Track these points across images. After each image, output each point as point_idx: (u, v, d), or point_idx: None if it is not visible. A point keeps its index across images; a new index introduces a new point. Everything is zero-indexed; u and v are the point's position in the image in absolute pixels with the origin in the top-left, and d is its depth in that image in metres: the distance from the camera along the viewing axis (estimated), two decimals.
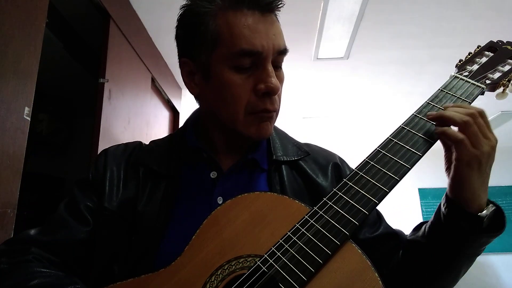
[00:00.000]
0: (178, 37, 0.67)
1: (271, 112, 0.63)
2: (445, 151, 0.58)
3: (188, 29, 0.64)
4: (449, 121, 0.55)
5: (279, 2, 0.62)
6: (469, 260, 0.58)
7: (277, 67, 0.63)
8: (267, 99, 0.61)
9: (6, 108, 1.05)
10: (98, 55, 1.78)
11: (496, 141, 0.55)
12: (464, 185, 0.53)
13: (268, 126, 0.64)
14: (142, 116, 2.20)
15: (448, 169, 0.57)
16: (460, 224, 0.54)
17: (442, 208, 0.57)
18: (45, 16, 1.27)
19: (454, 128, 0.55)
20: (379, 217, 0.70)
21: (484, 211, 0.54)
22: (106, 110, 1.69)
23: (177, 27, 0.67)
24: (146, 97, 2.29)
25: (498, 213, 0.55)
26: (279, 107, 0.65)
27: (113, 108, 1.77)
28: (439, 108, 0.59)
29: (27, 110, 1.13)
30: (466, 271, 0.60)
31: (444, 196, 0.58)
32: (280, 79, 0.64)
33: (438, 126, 0.56)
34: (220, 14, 0.60)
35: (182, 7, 0.65)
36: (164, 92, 2.66)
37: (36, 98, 1.17)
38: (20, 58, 1.12)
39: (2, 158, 1.02)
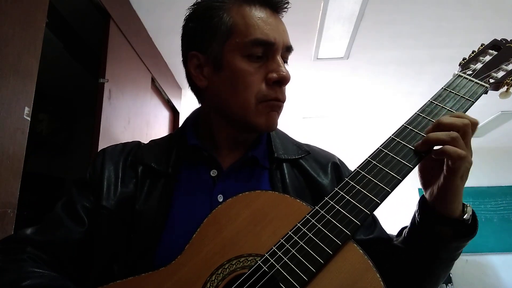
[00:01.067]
0: (187, 31, 0.69)
1: (281, 102, 0.65)
2: (428, 168, 0.57)
3: (201, 22, 0.66)
4: (435, 143, 0.53)
5: (286, 4, 0.66)
6: (448, 265, 0.59)
7: (284, 62, 0.66)
8: (277, 88, 0.64)
9: (6, 108, 1.05)
10: (98, 55, 1.78)
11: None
12: (455, 196, 0.54)
13: (276, 117, 0.66)
14: (142, 116, 2.20)
15: (429, 181, 0.57)
16: (442, 231, 0.55)
17: (417, 217, 0.58)
18: (45, 16, 1.27)
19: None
20: (374, 220, 0.71)
21: (466, 215, 0.55)
22: (106, 110, 1.69)
23: (187, 22, 0.69)
24: (146, 97, 2.29)
25: (473, 214, 0.57)
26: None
27: (113, 108, 1.77)
28: (442, 107, 0.59)
29: (27, 110, 1.13)
30: (444, 278, 0.61)
31: (419, 204, 0.58)
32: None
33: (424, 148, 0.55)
34: (234, 7, 0.64)
35: (193, 5, 0.68)
36: (164, 92, 2.66)
37: (36, 98, 1.17)
38: (20, 58, 1.12)
39: (2, 158, 1.02)
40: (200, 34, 0.66)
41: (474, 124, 0.54)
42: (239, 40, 0.62)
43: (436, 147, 0.54)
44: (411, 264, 0.60)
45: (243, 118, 0.64)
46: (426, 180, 0.58)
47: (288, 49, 0.66)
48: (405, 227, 0.63)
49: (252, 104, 0.63)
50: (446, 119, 0.54)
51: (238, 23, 0.63)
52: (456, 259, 0.59)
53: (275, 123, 0.66)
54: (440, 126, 0.54)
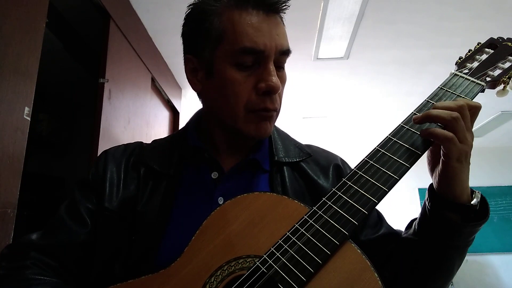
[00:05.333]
0: (183, 34, 0.68)
1: (271, 111, 0.63)
2: (432, 155, 0.58)
3: (194, 26, 0.65)
4: (437, 120, 0.54)
5: (284, 3, 0.62)
6: (462, 253, 0.58)
7: (280, 67, 0.64)
8: (267, 98, 0.61)
9: (6, 108, 1.05)
10: (98, 55, 1.78)
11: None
12: (455, 180, 0.54)
13: (267, 125, 0.64)
14: (142, 116, 2.20)
15: (434, 167, 0.58)
16: (451, 217, 0.54)
17: (428, 205, 0.57)
18: (45, 16, 1.27)
19: None
20: (380, 218, 0.70)
21: (474, 200, 0.55)
22: (106, 110, 1.69)
23: (183, 24, 0.68)
24: (146, 97, 2.29)
25: (482, 200, 0.56)
26: (280, 107, 0.66)
27: (113, 108, 1.77)
28: None
29: (27, 110, 1.13)
30: (459, 267, 0.60)
31: (428, 192, 0.58)
32: (282, 79, 0.64)
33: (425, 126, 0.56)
34: (225, 12, 0.61)
35: (189, 6, 0.66)
36: (164, 92, 2.66)
37: (36, 98, 1.17)
38: (20, 58, 1.12)
39: (2, 158, 1.02)
40: (193, 38, 0.65)
41: (473, 107, 0.55)
42: (228, 48, 0.60)
43: (422, 131, 0.55)
44: (425, 254, 0.59)
45: (233, 126, 0.63)
46: (431, 167, 0.59)
47: (285, 52, 0.63)
48: (415, 219, 0.63)
49: (241, 113, 0.62)
50: (441, 103, 0.55)
51: (227, 29, 0.60)
52: (469, 245, 0.58)
53: (266, 132, 0.64)
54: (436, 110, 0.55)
